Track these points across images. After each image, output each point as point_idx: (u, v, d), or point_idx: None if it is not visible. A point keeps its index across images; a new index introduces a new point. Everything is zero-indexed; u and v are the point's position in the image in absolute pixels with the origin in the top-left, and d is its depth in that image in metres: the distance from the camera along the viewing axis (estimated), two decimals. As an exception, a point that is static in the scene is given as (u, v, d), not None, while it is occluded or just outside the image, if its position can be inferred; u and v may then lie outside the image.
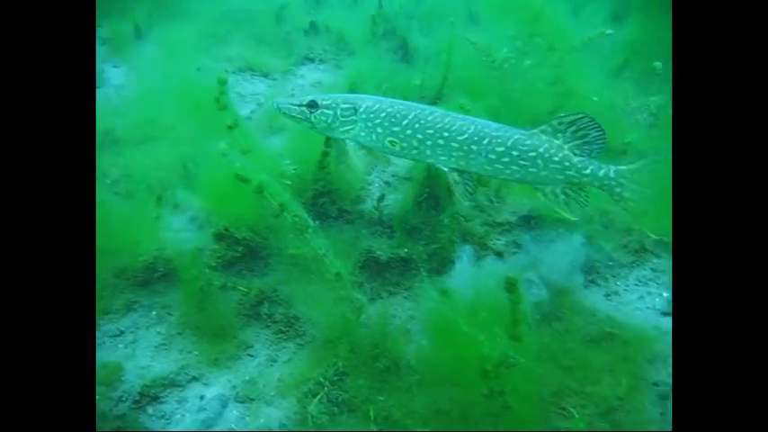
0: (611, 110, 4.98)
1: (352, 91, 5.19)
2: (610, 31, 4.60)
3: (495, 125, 3.24)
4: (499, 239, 4.23)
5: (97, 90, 5.72)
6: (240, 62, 6.52)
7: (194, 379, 3.23)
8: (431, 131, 3.21)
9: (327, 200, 4.27)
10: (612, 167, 3.17)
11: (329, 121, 3.36)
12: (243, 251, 3.84)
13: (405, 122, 3.24)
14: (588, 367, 3.15)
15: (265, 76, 6.46)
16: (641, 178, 3.10)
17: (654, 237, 3.94)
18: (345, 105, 3.35)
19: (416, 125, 3.24)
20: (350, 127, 3.35)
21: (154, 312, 3.53)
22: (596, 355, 3.22)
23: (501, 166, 3.20)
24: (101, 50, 6.52)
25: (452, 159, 3.26)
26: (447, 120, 3.23)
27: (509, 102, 5.11)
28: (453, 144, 3.21)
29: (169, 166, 4.23)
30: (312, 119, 3.40)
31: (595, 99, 4.76)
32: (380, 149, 3.40)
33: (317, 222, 3.41)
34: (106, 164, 4.36)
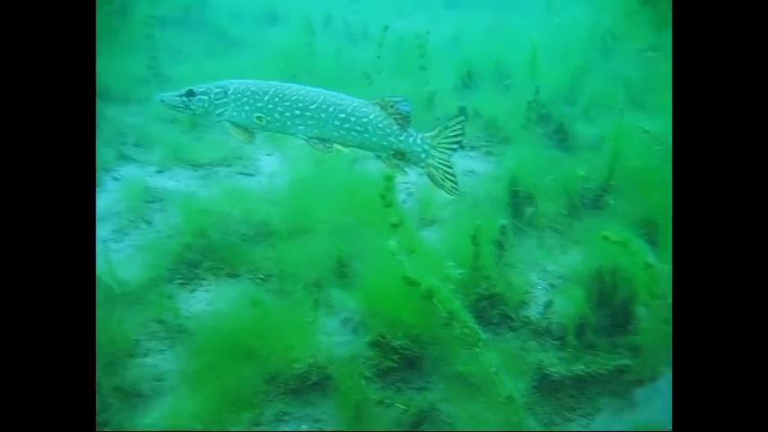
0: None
1: (513, 182, 4.86)
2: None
3: (341, 96, 3.48)
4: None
5: (250, 178, 5.78)
6: (390, 149, 6.40)
7: None
8: (288, 103, 3.47)
9: (488, 304, 3.90)
10: (420, 134, 3.35)
11: (205, 105, 3.60)
12: (398, 360, 3.51)
13: (266, 98, 3.50)
14: None
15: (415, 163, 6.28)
16: (438, 143, 3.33)
17: None
18: (217, 90, 3.60)
19: (276, 99, 3.49)
20: (223, 109, 3.59)
21: (305, 426, 3.24)
22: None
23: (344, 132, 3.44)
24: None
25: (308, 128, 3.49)
26: (302, 92, 3.50)
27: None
28: (307, 113, 3.46)
29: (323, 262, 4.03)
30: (192, 106, 3.64)
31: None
32: (252, 126, 3.59)
33: (486, 335, 3.04)
34: (260, 257, 4.24)
